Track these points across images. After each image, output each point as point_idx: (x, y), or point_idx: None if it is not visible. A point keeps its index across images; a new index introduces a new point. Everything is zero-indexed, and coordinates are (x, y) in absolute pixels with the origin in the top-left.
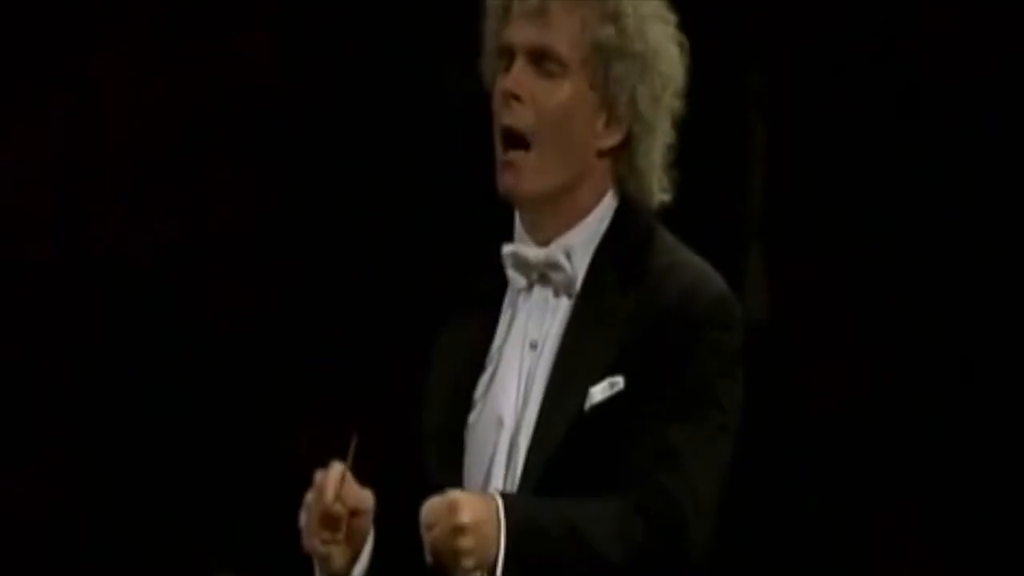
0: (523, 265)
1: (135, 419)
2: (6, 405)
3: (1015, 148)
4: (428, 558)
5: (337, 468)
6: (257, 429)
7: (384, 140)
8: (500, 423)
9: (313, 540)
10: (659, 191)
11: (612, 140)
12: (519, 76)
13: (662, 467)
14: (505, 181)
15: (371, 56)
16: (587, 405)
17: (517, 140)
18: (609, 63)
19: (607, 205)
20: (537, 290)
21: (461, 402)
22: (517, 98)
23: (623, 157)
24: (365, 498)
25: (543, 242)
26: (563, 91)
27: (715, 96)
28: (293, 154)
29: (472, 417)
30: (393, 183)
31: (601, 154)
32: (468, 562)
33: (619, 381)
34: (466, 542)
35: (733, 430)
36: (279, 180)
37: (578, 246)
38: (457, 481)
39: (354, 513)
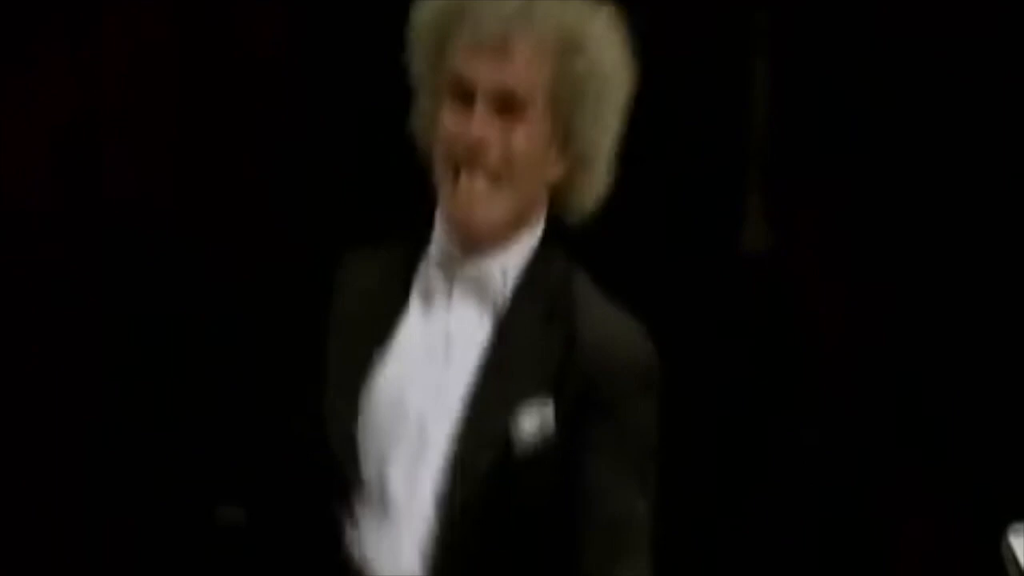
0: (449, 270)
1: (141, 358)
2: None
3: (1020, 77)
4: None
5: None
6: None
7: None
8: (402, 405)
9: None
10: (592, 204)
11: (560, 169)
12: (484, 122)
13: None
14: (458, 210)
15: (379, 28)
16: (516, 433)
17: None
18: (571, 95)
19: (538, 233)
20: (456, 294)
21: (359, 375)
22: (484, 144)
23: (567, 182)
24: None
25: (468, 249)
26: (527, 132)
27: (717, 34)
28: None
29: (371, 393)
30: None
31: (547, 182)
32: None
33: (548, 411)
34: None
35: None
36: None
37: (511, 268)
38: (351, 447)
39: None
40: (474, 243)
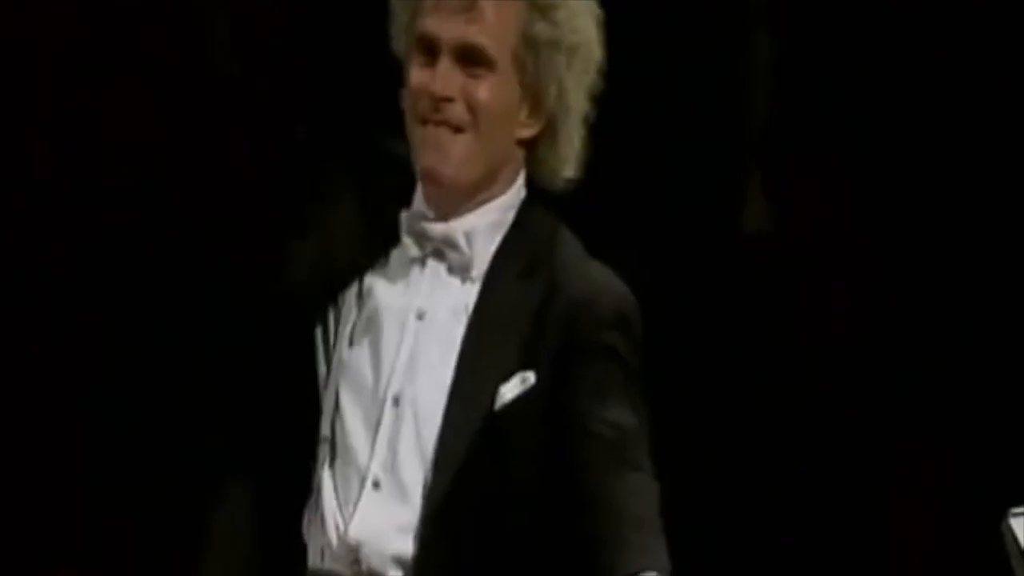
0: (420, 235)
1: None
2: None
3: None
4: None
5: None
6: None
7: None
8: (372, 388)
9: None
10: (570, 168)
11: (532, 130)
12: (447, 77)
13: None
14: (426, 160)
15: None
16: (498, 404)
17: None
18: (537, 57)
19: (514, 194)
20: (431, 263)
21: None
22: (448, 99)
23: (541, 144)
24: None
25: (441, 217)
26: (491, 87)
27: (716, 12)
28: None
29: (334, 370)
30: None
31: (519, 142)
32: None
33: (530, 377)
34: None
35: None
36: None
37: (481, 231)
38: (311, 426)
39: None
40: (444, 196)
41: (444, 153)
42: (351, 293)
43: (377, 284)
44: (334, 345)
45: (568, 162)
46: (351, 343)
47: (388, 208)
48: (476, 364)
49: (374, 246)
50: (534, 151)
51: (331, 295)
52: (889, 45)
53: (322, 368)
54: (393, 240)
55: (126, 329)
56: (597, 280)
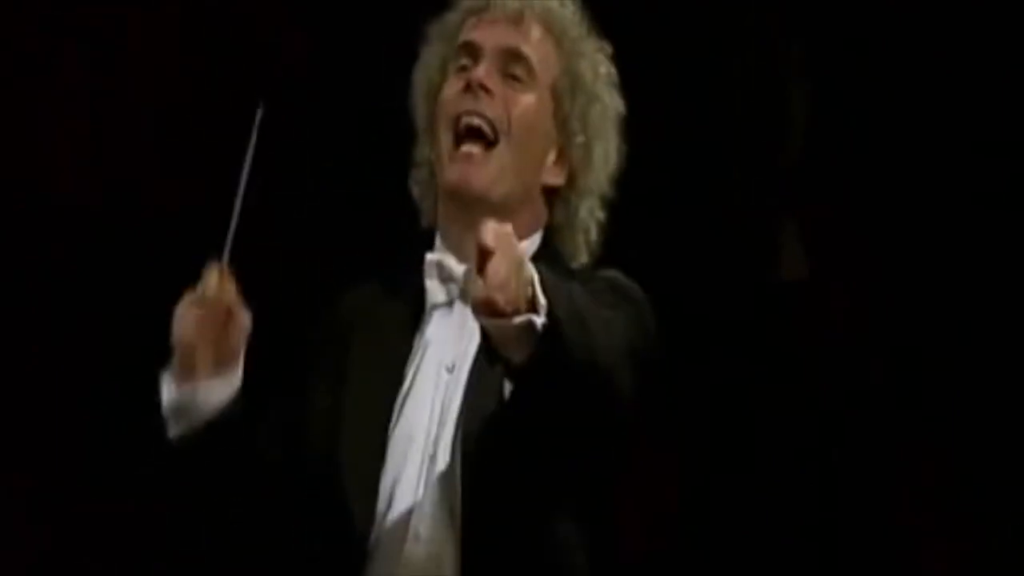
0: (447, 277)
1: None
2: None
3: None
4: (485, 294)
5: (216, 266)
6: None
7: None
8: (411, 439)
9: (183, 326)
10: (585, 252)
11: (556, 179)
12: (489, 73)
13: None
14: (457, 173)
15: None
16: (507, 392)
17: (478, 134)
18: (574, 97)
19: (533, 241)
20: (457, 307)
21: (381, 417)
22: (487, 90)
23: (559, 205)
24: (241, 308)
25: (465, 260)
26: (529, 100)
27: (753, 61)
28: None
29: (388, 439)
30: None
31: (543, 190)
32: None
33: None
34: (528, 272)
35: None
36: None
37: None
38: (371, 494)
39: (229, 315)
40: (463, 230)
41: (475, 165)
42: (392, 356)
43: (411, 342)
44: (381, 422)
45: (577, 235)
46: (393, 420)
47: (405, 264)
48: (484, 383)
49: (392, 296)
50: (551, 211)
51: (344, 346)
52: (926, 95)
53: (369, 446)
54: (410, 289)
55: (125, 329)
56: (603, 272)
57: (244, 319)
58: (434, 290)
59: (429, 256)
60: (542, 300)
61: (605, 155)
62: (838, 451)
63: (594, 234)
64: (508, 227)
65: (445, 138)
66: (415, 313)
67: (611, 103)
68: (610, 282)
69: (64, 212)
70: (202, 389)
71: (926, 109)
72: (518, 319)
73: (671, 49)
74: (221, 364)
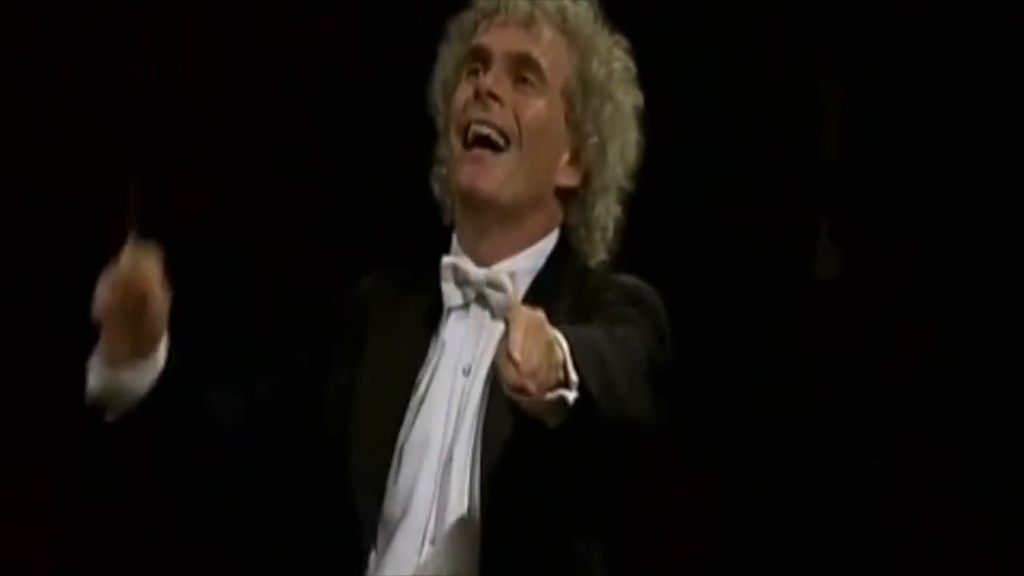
0: (463, 281)
1: None
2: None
3: None
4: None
5: (133, 244)
6: None
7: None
8: (427, 443)
9: (95, 307)
10: (602, 249)
11: (570, 180)
12: (498, 79)
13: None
14: (466, 177)
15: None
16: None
17: (487, 142)
18: (587, 100)
19: (549, 241)
20: (474, 310)
21: (392, 420)
22: (496, 98)
23: (574, 205)
24: (160, 289)
25: (481, 263)
26: (539, 104)
27: (787, 61)
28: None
29: (401, 434)
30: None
31: (557, 191)
32: (560, 374)
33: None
34: (559, 354)
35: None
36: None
37: (521, 274)
38: (379, 493)
39: (146, 296)
40: (482, 229)
41: (486, 168)
42: (409, 358)
43: (427, 344)
44: (392, 424)
45: (594, 233)
46: (406, 423)
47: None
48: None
49: (409, 295)
50: (566, 211)
51: (360, 350)
52: (960, 94)
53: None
54: (427, 289)
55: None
56: (628, 282)
57: (160, 301)
58: (450, 293)
59: (445, 259)
60: (574, 377)
61: (621, 152)
62: (838, 451)
63: (611, 231)
64: (540, 313)
65: (456, 143)
66: (432, 313)
67: (626, 99)
68: (627, 291)
69: (64, 212)
70: (123, 374)
71: (933, 111)
72: (550, 396)
73: (700, 45)
74: (140, 346)
